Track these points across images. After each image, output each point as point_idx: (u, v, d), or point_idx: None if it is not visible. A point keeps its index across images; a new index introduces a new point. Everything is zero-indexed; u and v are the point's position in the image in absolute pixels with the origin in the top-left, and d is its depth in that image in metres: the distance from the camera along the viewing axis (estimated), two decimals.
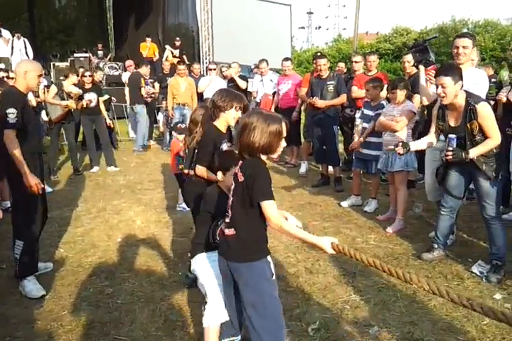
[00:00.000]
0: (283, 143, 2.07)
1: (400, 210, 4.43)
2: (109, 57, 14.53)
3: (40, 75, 3.37)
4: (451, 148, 3.31)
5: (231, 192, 2.11)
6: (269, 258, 2.13)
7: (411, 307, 3.02)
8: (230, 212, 2.09)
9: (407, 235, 4.29)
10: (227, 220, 2.11)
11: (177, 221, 4.76)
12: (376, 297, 3.14)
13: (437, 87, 3.34)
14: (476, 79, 3.71)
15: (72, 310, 3.06)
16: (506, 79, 9.40)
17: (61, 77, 8.34)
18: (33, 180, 3.18)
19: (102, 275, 3.56)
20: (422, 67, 4.09)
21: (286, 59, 7.46)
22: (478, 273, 3.45)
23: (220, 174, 2.55)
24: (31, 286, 3.27)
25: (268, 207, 1.95)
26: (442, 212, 3.69)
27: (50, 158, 6.83)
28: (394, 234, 4.32)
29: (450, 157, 3.31)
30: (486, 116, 3.24)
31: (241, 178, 2.03)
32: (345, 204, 5.24)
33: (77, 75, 7.10)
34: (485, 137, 3.28)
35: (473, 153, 3.28)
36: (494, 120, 3.28)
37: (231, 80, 8.33)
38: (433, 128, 3.66)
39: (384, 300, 3.10)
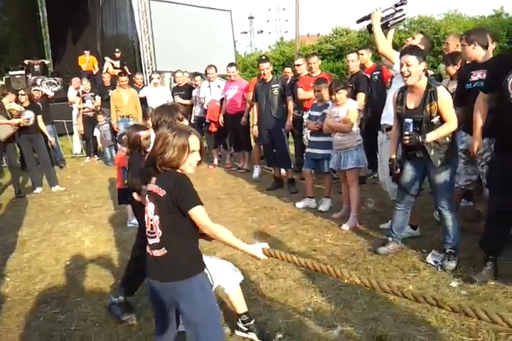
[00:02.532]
0: (195, 157, 2.04)
1: (354, 207, 4.47)
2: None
3: None
4: (407, 133, 3.35)
5: (152, 212, 2.03)
6: (205, 270, 2.10)
7: (372, 303, 3.02)
8: (157, 231, 2.00)
9: (363, 231, 4.33)
10: (154, 241, 2.02)
11: (128, 238, 4.57)
12: (337, 296, 3.13)
13: (401, 67, 3.37)
14: None
15: None
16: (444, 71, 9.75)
17: None
18: None
19: (52, 302, 3.36)
20: (376, 14, 3.94)
21: (231, 64, 7.43)
22: (433, 263, 3.52)
23: (135, 195, 2.60)
24: None
25: (197, 213, 1.96)
26: (398, 208, 3.74)
27: None
28: (349, 230, 4.35)
29: (407, 141, 3.35)
30: (446, 99, 3.30)
31: (162, 193, 1.97)
32: (300, 205, 5.24)
33: (15, 93, 6.80)
34: (442, 121, 3.34)
35: (430, 136, 3.31)
36: (452, 105, 3.35)
37: (181, 88, 8.22)
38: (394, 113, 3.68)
39: (345, 298, 3.09)
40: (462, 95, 3.82)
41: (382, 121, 4.39)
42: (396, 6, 4.15)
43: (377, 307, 2.96)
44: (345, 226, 4.39)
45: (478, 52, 3.73)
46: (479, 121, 3.43)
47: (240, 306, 2.68)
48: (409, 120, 3.39)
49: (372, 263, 3.61)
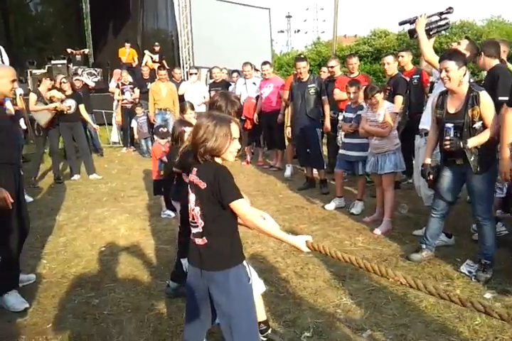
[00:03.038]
0: (236, 145, 2.05)
1: (388, 211, 4.43)
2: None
3: (13, 80, 3.19)
4: (448, 138, 3.31)
5: (193, 203, 2.06)
6: (244, 262, 2.10)
7: (402, 309, 3.00)
8: (199, 221, 2.04)
9: (395, 236, 4.29)
10: (197, 230, 2.06)
11: (162, 228, 4.68)
12: (367, 300, 3.12)
13: (441, 72, 3.34)
14: None
15: (58, 323, 2.96)
16: None
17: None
18: (0, 194, 2.98)
19: (87, 286, 3.46)
20: (420, 21, 3.93)
21: (265, 63, 7.41)
22: (467, 273, 3.46)
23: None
24: (13, 300, 3.15)
25: (238, 206, 1.95)
26: (433, 214, 3.69)
27: (33, 166, 6.70)
28: (382, 235, 4.32)
29: (448, 146, 3.30)
30: (488, 104, 3.25)
31: (203, 185, 1.99)
32: (329, 207, 5.23)
33: (52, 80, 7.00)
34: (484, 127, 3.28)
35: (472, 142, 3.26)
36: (494, 110, 3.28)
37: (218, 84, 8.29)
38: (432, 118, 3.63)
39: (375, 302, 3.08)
40: None
41: (421, 126, 4.35)
42: (441, 14, 4.11)
43: (408, 314, 2.94)
44: (378, 231, 4.36)
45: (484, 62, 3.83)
46: (507, 137, 3.22)
47: (259, 314, 2.56)
48: (450, 125, 3.35)
49: (404, 269, 3.58)
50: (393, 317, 2.91)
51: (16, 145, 3.51)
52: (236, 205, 1.95)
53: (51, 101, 6.55)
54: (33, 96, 6.60)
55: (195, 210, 2.05)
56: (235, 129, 2.03)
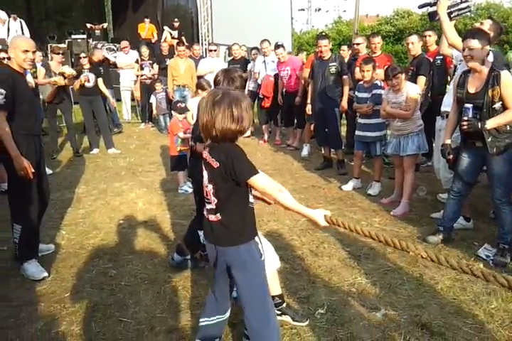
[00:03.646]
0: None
1: (407, 193, 4.38)
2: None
3: (26, 51, 3.13)
4: (466, 118, 3.24)
5: (206, 180, 2.06)
6: (256, 239, 2.12)
7: (418, 290, 2.99)
8: (212, 198, 2.04)
9: (412, 218, 4.25)
10: (210, 207, 2.07)
11: (179, 203, 4.71)
12: (382, 280, 3.11)
13: (464, 51, 3.27)
14: None
15: (75, 292, 3.02)
16: None
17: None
18: (22, 163, 3.04)
19: (105, 257, 3.52)
20: (442, 2, 3.83)
21: (278, 46, 7.18)
22: (484, 257, 3.42)
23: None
24: (33, 269, 3.23)
25: (258, 180, 1.95)
26: (451, 197, 3.64)
27: (51, 139, 6.78)
28: (399, 217, 4.28)
29: (465, 127, 3.24)
30: (509, 84, 3.15)
31: (216, 164, 1.97)
32: (346, 187, 5.19)
33: (61, 54, 6.99)
34: (504, 107, 3.20)
35: (491, 123, 3.18)
36: None
37: (237, 61, 8.19)
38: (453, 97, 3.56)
39: (390, 283, 3.07)
40: None
41: (443, 108, 4.26)
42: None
43: (424, 295, 2.93)
44: (396, 212, 4.32)
45: None
46: None
47: (274, 288, 2.64)
48: (469, 105, 3.27)
49: None
50: (408, 297, 2.90)
51: (38, 117, 3.53)
52: (254, 180, 1.94)
53: (62, 76, 6.54)
54: (41, 70, 6.61)
55: (208, 187, 2.06)
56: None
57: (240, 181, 1.96)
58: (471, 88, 3.33)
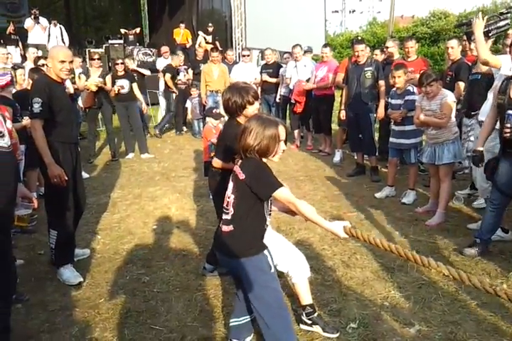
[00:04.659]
0: (282, 146, 2.12)
1: (443, 203, 4.27)
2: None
3: (62, 61, 3.19)
4: (509, 125, 3.14)
5: (230, 191, 2.17)
6: (266, 251, 2.18)
7: (453, 305, 2.90)
8: (231, 209, 2.14)
9: (448, 229, 4.14)
10: (227, 217, 2.16)
11: (211, 209, 4.69)
12: (416, 294, 3.04)
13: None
14: None
15: (109, 298, 3.09)
16: None
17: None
18: (55, 171, 3.11)
19: (138, 263, 3.58)
20: (478, 23, 3.75)
21: (326, 45, 7.34)
22: None
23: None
24: (68, 274, 3.31)
25: (282, 194, 2.04)
26: (490, 208, 3.53)
27: (89, 143, 6.97)
28: (434, 227, 4.17)
29: (508, 134, 3.15)
30: None
31: (242, 176, 2.08)
32: (379, 195, 5.11)
33: (97, 59, 7.25)
34: None
35: None
36: None
37: (270, 66, 8.21)
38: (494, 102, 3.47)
39: (425, 297, 2.99)
40: None
41: (480, 117, 4.14)
42: (501, 14, 3.89)
43: (459, 311, 2.84)
44: (431, 222, 4.21)
45: None
46: None
47: (306, 298, 2.67)
48: (511, 111, 3.15)
49: (457, 264, 3.45)
50: (443, 313, 2.82)
51: (75, 125, 3.62)
52: (279, 194, 2.04)
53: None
54: (82, 76, 6.79)
55: (230, 198, 2.16)
56: (282, 132, 2.11)
57: (263, 195, 2.06)
58: None
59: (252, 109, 2.78)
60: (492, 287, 1.60)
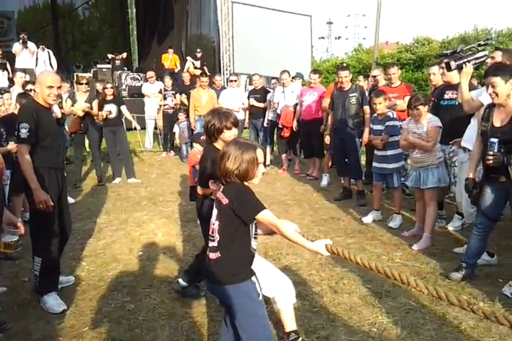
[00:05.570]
0: (261, 169, 2.15)
1: (428, 227, 4.30)
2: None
3: (50, 87, 3.21)
4: (491, 152, 3.20)
5: (214, 217, 2.18)
6: (253, 278, 2.18)
7: (440, 331, 2.90)
8: (216, 235, 2.14)
9: (435, 253, 4.16)
10: (213, 244, 2.16)
11: (198, 235, 4.67)
12: (404, 319, 3.03)
13: (487, 88, 3.27)
14: None
15: (94, 327, 3.03)
16: None
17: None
18: (41, 197, 3.10)
19: (123, 291, 3.53)
20: (465, 71, 3.95)
21: (315, 72, 7.50)
22: (509, 295, 3.31)
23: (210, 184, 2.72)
24: (52, 301, 3.25)
25: (264, 216, 2.06)
26: (475, 232, 3.56)
27: (75, 168, 6.94)
28: (420, 251, 4.20)
29: (491, 161, 3.20)
30: None
31: (225, 201, 2.10)
32: (366, 219, 5.13)
33: (85, 83, 7.25)
34: None
35: None
36: None
37: (257, 91, 8.33)
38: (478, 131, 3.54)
39: (412, 322, 2.99)
40: None
41: (463, 144, 4.23)
42: (479, 45, 4.04)
43: (447, 336, 2.84)
44: (417, 247, 4.23)
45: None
46: None
47: (290, 324, 2.67)
48: (494, 139, 3.23)
49: (443, 288, 3.45)
50: (431, 338, 2.82)
51: (61, 150, 3.62)
52: (262, 216, 2.06)
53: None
54: (68, 101, 6.82)
55: (215, 224, 2.17)
56: (260, 155, 2.14)
57: (246, 217, 2.07)
58: (497, 121, 3.31)
59: (229, 134, 2.82)
60: (470, 305, 1.63)
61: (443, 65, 4.69)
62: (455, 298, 1.66)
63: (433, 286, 1.76)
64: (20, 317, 3.12)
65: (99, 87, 8.34)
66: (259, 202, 2.08)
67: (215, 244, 2.15)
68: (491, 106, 3.39)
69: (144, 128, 10.29)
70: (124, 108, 7.18)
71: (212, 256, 2.15)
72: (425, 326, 2.95)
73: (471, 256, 3.60)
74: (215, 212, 2.19)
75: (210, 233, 2.19)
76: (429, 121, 4.31)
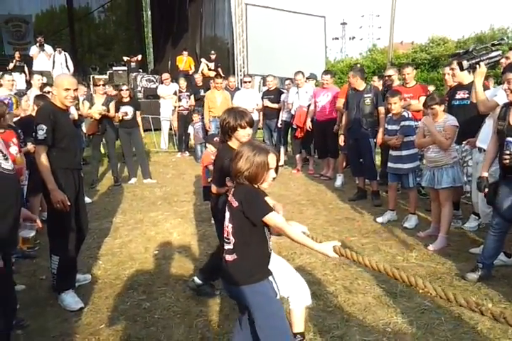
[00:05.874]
0: (271, 174, 2.13)
1: (444, 227, 4.26)
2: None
3: (66, 89, 3.27)
4: (508, 152, 3.17)
5: (227, 220, 2.19)
6: (270, 278, 2.18)
7: (456, 331, 2.87)
8: (231, 238, 2.15)
9: (450, 253, 4.12)
10: (229, 247, 2.17)
11: (212, 234, 4.72)
12: (419, 319, 3.01)
13: (505, 84, 3.25)
14: None
15: (110, 324, 3.07)
16: None
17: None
18: (58, 197, 3.14)
19: (139, 289, 3.57)
20: (479, 71, 3.92)
21: (327, 72, 7.47)
22: None
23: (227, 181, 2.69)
24: (69, 299, 3.30)
25: (271, 219, 2.06)
26: (491, 233, 3.52)
27: (92, 168, 7.03)
28: (436, 252, 4.16)
29: (507, 161, 3.17)
30: None
31: (235, 204, 2.11)
32: (381, 220, 5.10)
33: (102, 85, 7.34)
34: None
35: None
36: None
37: (271, 92, 8.35)
38: (494, 129, 3.51)
39: (427, 323, 2.97)
40: None
41: (478, 144, 4.19)
42: (493, 45, 4.00)
43: (462, 337, 2.81)
44: (432, 247, 4.20)
45: None
46: None
47: (298, 325, 2.66)
48: (511, 139, 3.20)
49: (459, 289, 3.43)
50: (446, 339, 2.80)
51: (78, 151, 3.67)
52: (268, 218, 2.06)
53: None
54: (85, 103, 6.91)
55: (228, 227, 2.17)
56: (272, 160, 2.12)
57: (254, 219, 2.07)
58: None
59: (243, 133, 2.83)
60: (478, 307, 1.62)
61: (452, 65, 4.67)
62: (463, 300, 1.65)
63: (441, 288, 1.74)
64: (38, 315, 3.18)
65: (108, 89, 8.44)
66: (266, 205, 2.09)
67: (230, 246, 2.16)
68: (508, 105, 3.36)
69: (159, 129, 10.42)
70: (138, 113, 7.27)
71: (229, 258, 2.16)
72: (440, 326, 2.93)
73: (487, 256, 3.57)
74: (227, 215, 2.20)
75: (225, 236, 2.20)
76: (446, 120, 4.28)
